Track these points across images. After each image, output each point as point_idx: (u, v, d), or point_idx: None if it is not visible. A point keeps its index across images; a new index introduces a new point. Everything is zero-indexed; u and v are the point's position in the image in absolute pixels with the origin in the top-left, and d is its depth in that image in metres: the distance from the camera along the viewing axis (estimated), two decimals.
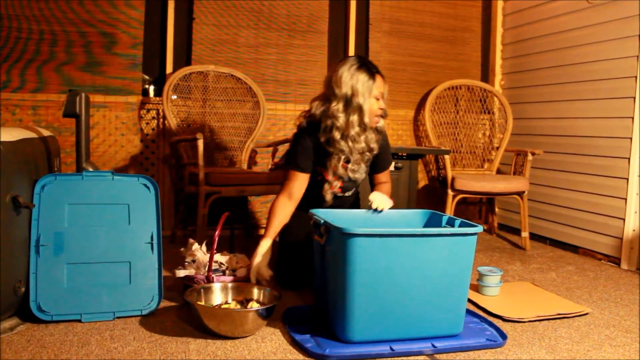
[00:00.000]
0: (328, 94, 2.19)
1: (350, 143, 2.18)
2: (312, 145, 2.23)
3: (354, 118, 2.15)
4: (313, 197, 2.30)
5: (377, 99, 2.17)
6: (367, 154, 2.27)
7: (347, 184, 2.34)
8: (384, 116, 2.25)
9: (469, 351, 1.74)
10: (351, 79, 2.13)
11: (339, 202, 2.37)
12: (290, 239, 2.39)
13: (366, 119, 2.15)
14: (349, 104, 2.14)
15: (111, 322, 1.88)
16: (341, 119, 2.14)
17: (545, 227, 3.52)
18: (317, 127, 2.21)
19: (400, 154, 3.19)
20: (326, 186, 2.29)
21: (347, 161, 2.25)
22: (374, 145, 2.25)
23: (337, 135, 2.17)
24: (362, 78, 2.13)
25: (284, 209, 2.21)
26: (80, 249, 1.90)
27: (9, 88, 3.05)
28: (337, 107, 2.14)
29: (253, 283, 2.04)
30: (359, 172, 2.29)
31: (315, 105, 2.22)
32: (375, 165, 2.38)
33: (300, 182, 2.23)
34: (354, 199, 2.51)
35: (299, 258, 2.30)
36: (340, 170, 2.25)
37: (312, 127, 2.23)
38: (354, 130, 2.16)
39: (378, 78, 2.17)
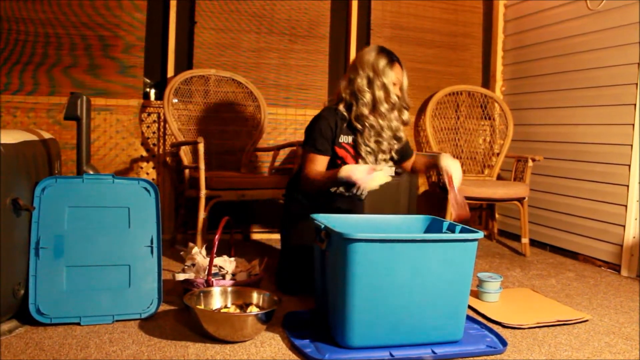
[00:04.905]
0: (352, 76, 2.30)
1: (380, 120, 2.27)
2: (333, 126, 2.27)
3: (380, 94, 2.25)
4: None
5: (394, 84, 2.28)
6: (395, 141, 2.36)
7: None
8: (406, 107, 2.34)
9: (469, 357, 1.73)
10: (373, 60, 2.27)
11: (348, 204, 2.39)
12: (292, 243, 2.39)
13: (393, 97, 2.26)
14: (372, 81, 2.26)
15: (110, 325, 1.88)
16: (367, 95, 2.26)
17: (546, 234, 3.52)
18: (345, 106, 2.30)
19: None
20: (360, 161, 2.31)
21: (377, 142, 2.31)
22: (402, 135, 2.36)
23: (365, 110, 2.26)
24: (382, 61, 2.27)
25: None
26: (80, 251, 1.90)
27: (10, 90, 3.06)
28: (362, 83, 2.26)
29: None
30: (386, 155, 2.36)
31: (343, 86, 2.33)
32: (404, 153, 2.48)
33: (320, 165, 2.26)
34: (362, 211, 2.51)
35: (300, 263, 2.29)
36: (372, 144, 2.29)
37: (337, 107, 2.31)
38: (383, 107, 2.26)
39: (397, 65, 2.30)
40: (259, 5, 3.48)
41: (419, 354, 1.70)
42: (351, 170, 2.06)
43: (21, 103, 3.08)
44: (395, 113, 2.31)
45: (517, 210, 3.36)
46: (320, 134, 2.26)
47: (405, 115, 2.36)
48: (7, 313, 1.78)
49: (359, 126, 2.28)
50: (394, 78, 2.28)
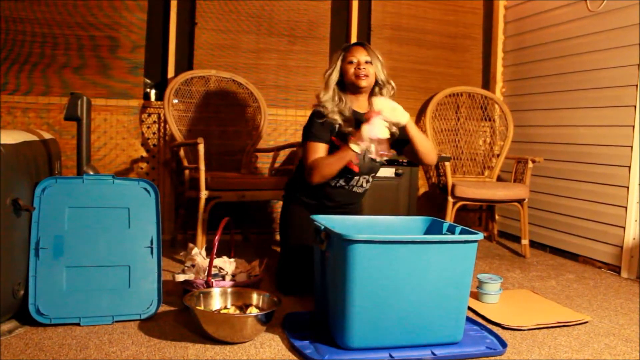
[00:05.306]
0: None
1: (337, 102, 2.32)
2: (327, 120, 2.31)
3: (334, 81, 2.33)
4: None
5: (351, 62, 2.31)
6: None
7: (362, 167, 2.33)
8: (380, 85, 2.35)
9: (469, 359, 1.73)
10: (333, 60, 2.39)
11: (348, 198, 2.39)
12: (292, 244, 2.38)
13: (348, 77, 2.30)
14: (328, 76, 2.36)
15: (110, 326, 1.88)
16: (327, 88, 2.34)
17: (546, 235, 3.51)
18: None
19: (400, 160, 3.20)
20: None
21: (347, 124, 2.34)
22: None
23: (326, 100, 2.32)
24: (335, 56, 2.38)
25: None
26: (79, 252, 1.90)
27: (8, 90, 3.06)
28: (324, 82, 2.37)
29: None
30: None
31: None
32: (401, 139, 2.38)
33: (321, 153, 2.26)
34: (360, 206, 2.51)
35: (300, 263, 2.29)
36: (340, 122, 2.31)
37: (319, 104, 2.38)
38: (336, 90, 2.32)
39: (353, 48, 2.35)
40: (258, 6, 3.48)
41: (419, 356, 1.70)
42: (361, 142, 2.11)
43: (30, 104, 3.08)
44: (362, 95, 2.35)
45: (517, 211, 3.36)
46: (319, 124, 2.28)
47: (384, 93, 2.36)
48: (7, 313, 1.78)
49: (329, 115, 2.31)
50: (350, 57, 2.30)
